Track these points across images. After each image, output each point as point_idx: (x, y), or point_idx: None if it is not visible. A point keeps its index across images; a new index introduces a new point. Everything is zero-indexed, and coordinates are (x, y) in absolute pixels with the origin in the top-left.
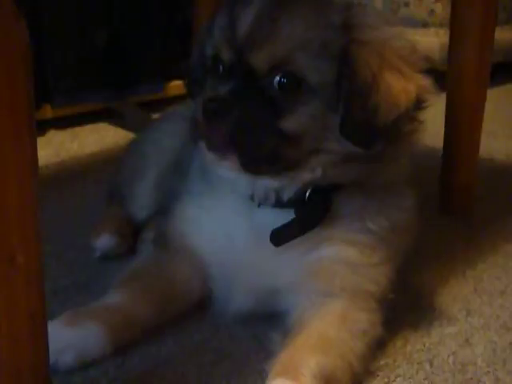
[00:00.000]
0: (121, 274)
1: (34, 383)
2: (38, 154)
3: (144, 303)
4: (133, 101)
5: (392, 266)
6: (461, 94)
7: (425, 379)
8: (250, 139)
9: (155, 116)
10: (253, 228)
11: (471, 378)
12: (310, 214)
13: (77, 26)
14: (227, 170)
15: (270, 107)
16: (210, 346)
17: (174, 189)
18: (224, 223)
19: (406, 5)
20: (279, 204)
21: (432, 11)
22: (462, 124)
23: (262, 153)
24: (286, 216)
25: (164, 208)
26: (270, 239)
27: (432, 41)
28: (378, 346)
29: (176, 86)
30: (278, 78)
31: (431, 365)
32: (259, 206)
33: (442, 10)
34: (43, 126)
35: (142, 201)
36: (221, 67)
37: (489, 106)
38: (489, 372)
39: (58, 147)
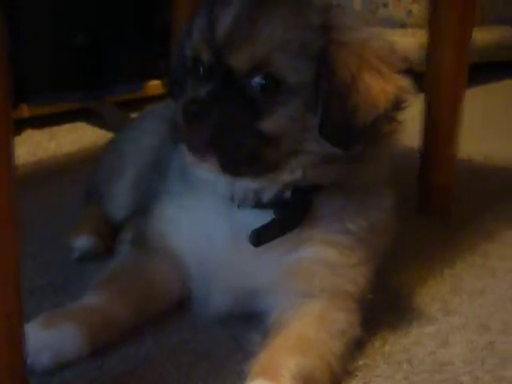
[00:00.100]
0: (99, 275)
1: (11, 383)
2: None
3: (122, 304)
4: (111, 100)
5: (371, 266)
6: (439, 95)
7: (404, 379)
8: (230, 141)
9: (134, 115)
10: (232, 229)
11: (450, 378)
12: (289, 215)
13: (54, 25)
14: (207, 172)
15: (249, 108)
16: (189, 346)
17: (153, 188)
18: (203, 224)
19: (385, 5)
20: (259, 205)
21: (410, 12)
22: (440, 124)
23: (241, 154)
24: (265, 217)
25: (143, 208)
26: (250, 240)
27: (410, 41)
28: (357, 347)
29: (154, 86)
30: (257, 80)
31: (410, 365)
32: (239, 206)
33: (420, 11)
34: (20, 126)
35: (120, 200)
36: (201, 68)
37: (466, 107)
38: (467, 371)
39: (35, 146)
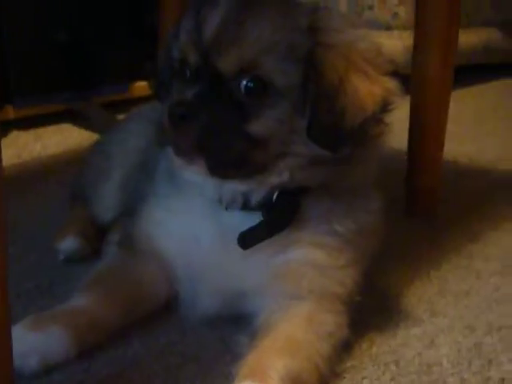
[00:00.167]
0: (86, 277)
1: None
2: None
3: (109, 306)
4: (97, 101)
5: (359, 268)
6: (424, 97)
7: (391, 380)
8: (217, 143)
9: (120, 117)
10: (220, 231)
11: (437, 379)
12: (277, 217)
13: (39, 26)
14: (194, 174)
15: (236, 111)
16: (177, 348)
17: (140, 190)
18: (191, 226)
19: (370, 8)
20: (247, 207)
21: (395, 14)
22: (427, 127)
23: (229, 157)
24: (253, 219)
25: (129, 209)
26: (238, 242)
27: (395, 44)
28: (345, 348)
29: (141, 87)
30: (244, 82)
31: (397, 366)
32: (227, 209)
33: (406, 13)
34: (5, 127)
35: (107, 202)
36: (188, 71)
37: (452, 109)
38: (454, 373)
39: (20, 148)
